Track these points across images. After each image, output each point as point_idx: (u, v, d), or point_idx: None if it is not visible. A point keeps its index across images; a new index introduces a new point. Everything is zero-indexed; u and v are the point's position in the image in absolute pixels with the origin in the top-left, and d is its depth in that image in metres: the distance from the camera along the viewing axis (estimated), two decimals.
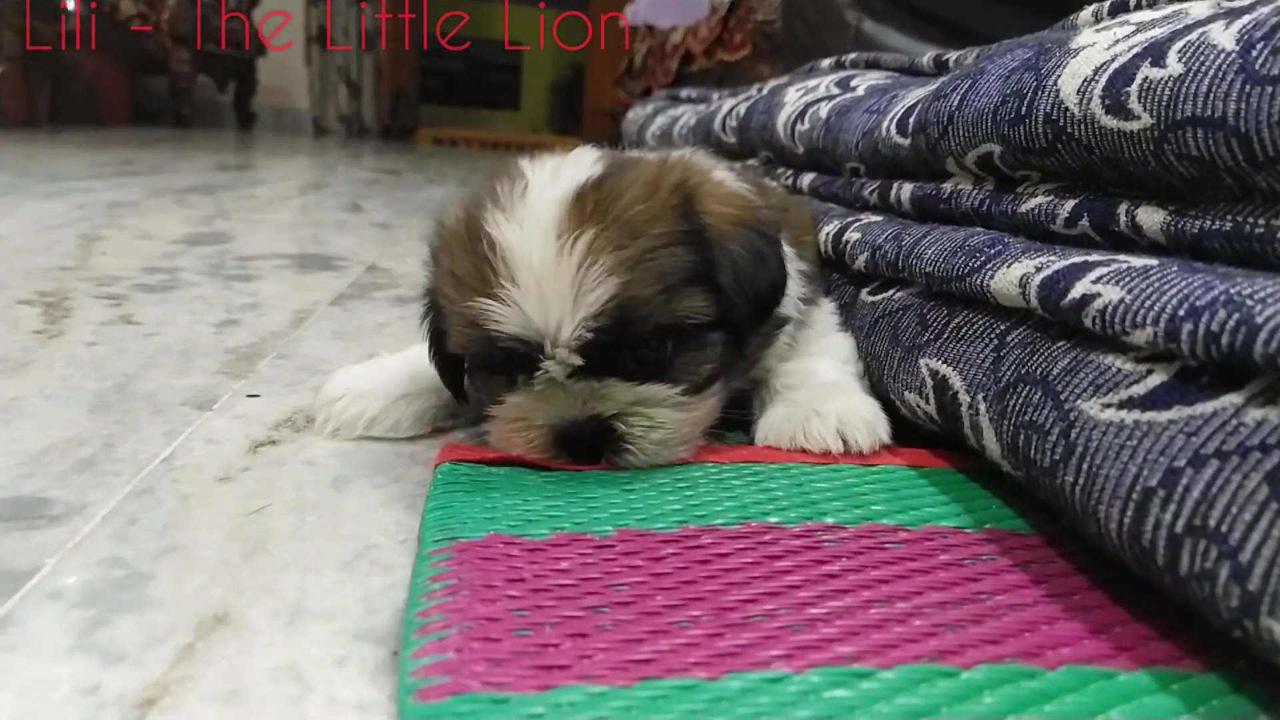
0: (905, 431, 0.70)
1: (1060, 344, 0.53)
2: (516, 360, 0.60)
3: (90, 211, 1.78)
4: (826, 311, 0.81)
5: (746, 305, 0.65)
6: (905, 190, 0.81)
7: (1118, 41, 0.55)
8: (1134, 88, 0.52)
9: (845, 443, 0.67)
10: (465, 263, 0.60)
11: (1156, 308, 0.45)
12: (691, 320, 0.62)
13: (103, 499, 0.58)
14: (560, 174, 0.61)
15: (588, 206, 0.59)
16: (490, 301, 0.58)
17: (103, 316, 1.01)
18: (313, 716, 0.39)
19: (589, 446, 0.61)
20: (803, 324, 0.76)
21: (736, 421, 0.72)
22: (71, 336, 0.93)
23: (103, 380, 0.80)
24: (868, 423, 0.68)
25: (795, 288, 0.73)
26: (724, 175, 0.72)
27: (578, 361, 0.59)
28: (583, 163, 0.63)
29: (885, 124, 0.84)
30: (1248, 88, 0.45)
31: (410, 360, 0.76)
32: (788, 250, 0.72)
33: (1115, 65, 0.54)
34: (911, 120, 0.79)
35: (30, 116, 4.08)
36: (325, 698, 0.40)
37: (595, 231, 0.58)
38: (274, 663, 0.42)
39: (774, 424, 0.69)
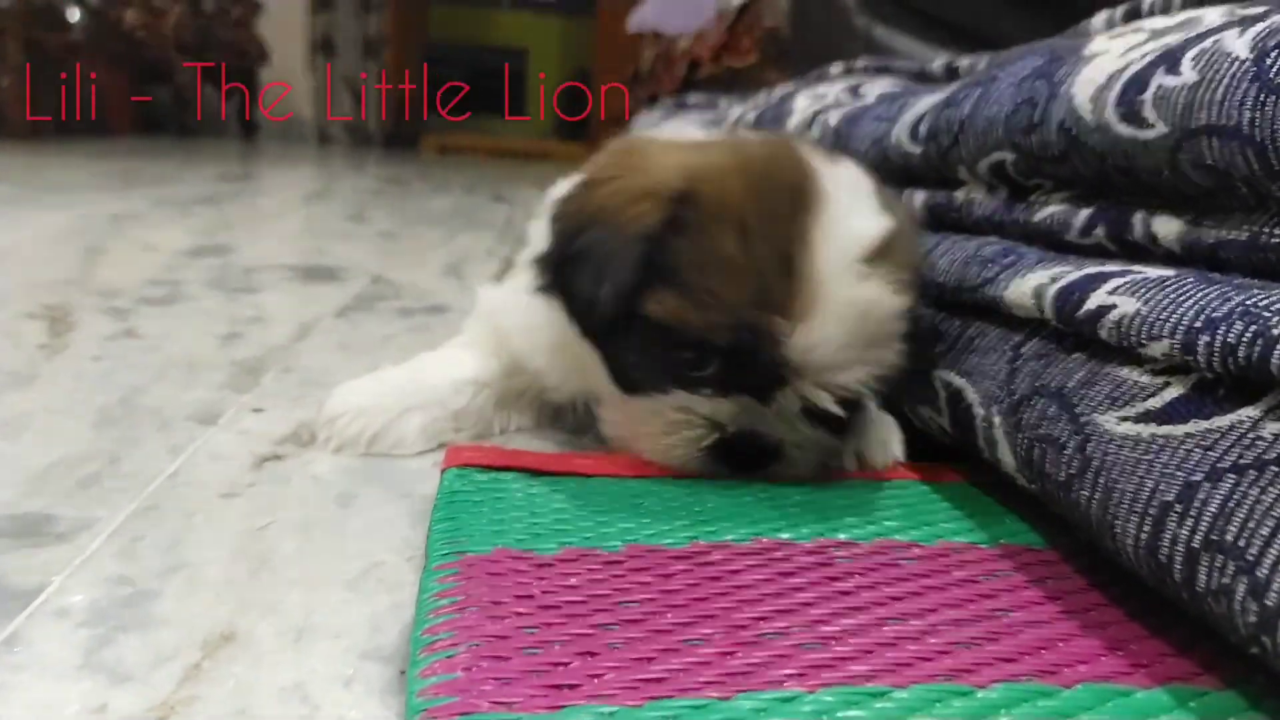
0: (919, 445, 0.70)
1: (1076, 356, 0.52)
2: (752, 372, 0.58)
3: (94, 223, 1.78)
4: None
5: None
6: (917, 198, 0.81)
7: (1131, 49, 0.55)
8: (1148, 96, 0.51)
9: (859, 460, 0.66)
10: (757, 259, 0.56)
11: (1173, 319, 0.44)
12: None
13: (108, 516, 0.57)
14: (858, 199, 0.60)
15: (895, 259, 0.58)
16: (788, 321, 0.55)
17: (107, 330, 1.01)
18: None
19: (754, 459, 0.61)
20: None
21: None
22: (76, 350, 0.93)
23: (107, 395, 0.80)
24: (881, 440, 0.67)
25: None
26: None
27: (835, 410, 0.59)
28: (865, 187, 0.62)
29: (896, 131, 0.84)
30: (1262, 96, 0.45)
31: (413, 372, 0.74)
32: None
33: (1129, 73, 0.53)
34: (922, 128, 0.79)
35: (33, 126, 4.09)
36: (333, 717, 0.40)
37: (903, 295, 0.58)
38: (281, 682, 0.42)
39: None
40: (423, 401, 0.72)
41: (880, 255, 0.57)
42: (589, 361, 0.65)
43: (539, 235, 0.68)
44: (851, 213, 0.58)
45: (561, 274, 0.63)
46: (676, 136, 0.74)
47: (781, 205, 0.57)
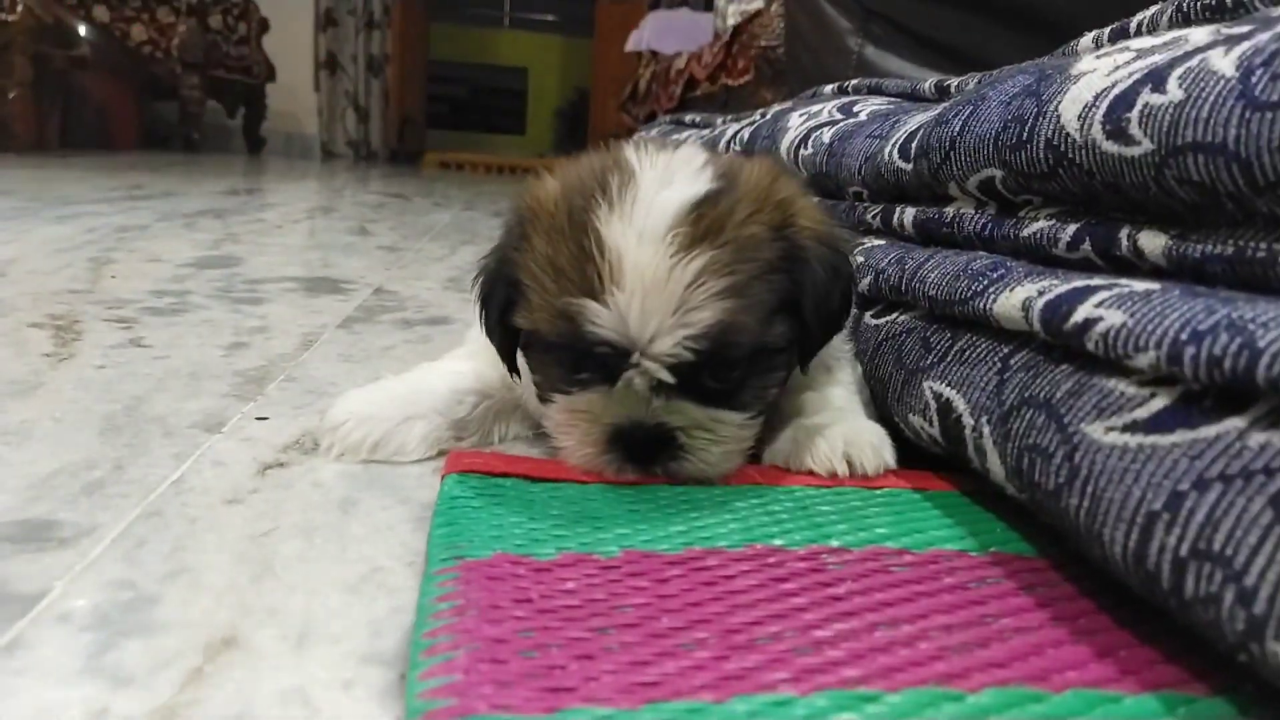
0: (910, 454, 0.70)
1: (1063, 367, 0.53)
2: (598, 360, 0.60)
3: (100, 235, 1.79)
4: (839, 338, 0.81)
5: (819, 328, 0.66)
6: (908, 214, 0.82)
7: (1118, 68, 0.56)
8: (1135, 113, 0.52)
9: (850, 465, 0.67)
10: (566, 253, 0.59)
11: (1159, 332, 0.45)
12: (774, 346, 0.63)
13: (112, 521, 0.58)
14: (672, 176, 0.61)
15: (704, 222, 0.59)
16: (592, 302, 0.57)
17: (112, 339, 1.02)
18: None
19: (647, 451, 0.62)
20: None
21: None
22: (81, 359, 0.93)
23: (112, 403, 0.80)
24: (873, 446, 0.68)
25: None
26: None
27: (666, 378, 0.59)
28: (692, 165, 0.63)
29: (888, 149, 0.85)
30: (1248, 114, 0.45)
31: (415, 382, 0.76)
32: None
33: (1116, 91, 0.54)
34: (914, 145, 0.80)
35: (40, 141, 4.11)
36: None
37: (710, 253, 0.58)
38: (281, 686, 0.42)
39: (781, 446, 0.70)
40: (424, 410, 0.73)
41: (682, 220, 0.58)
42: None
43: None
44: (651, 188, 0.59)
45: (481, 319, 0.70)
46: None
47: (587, 200, 0.60)
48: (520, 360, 0.70)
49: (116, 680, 0.42)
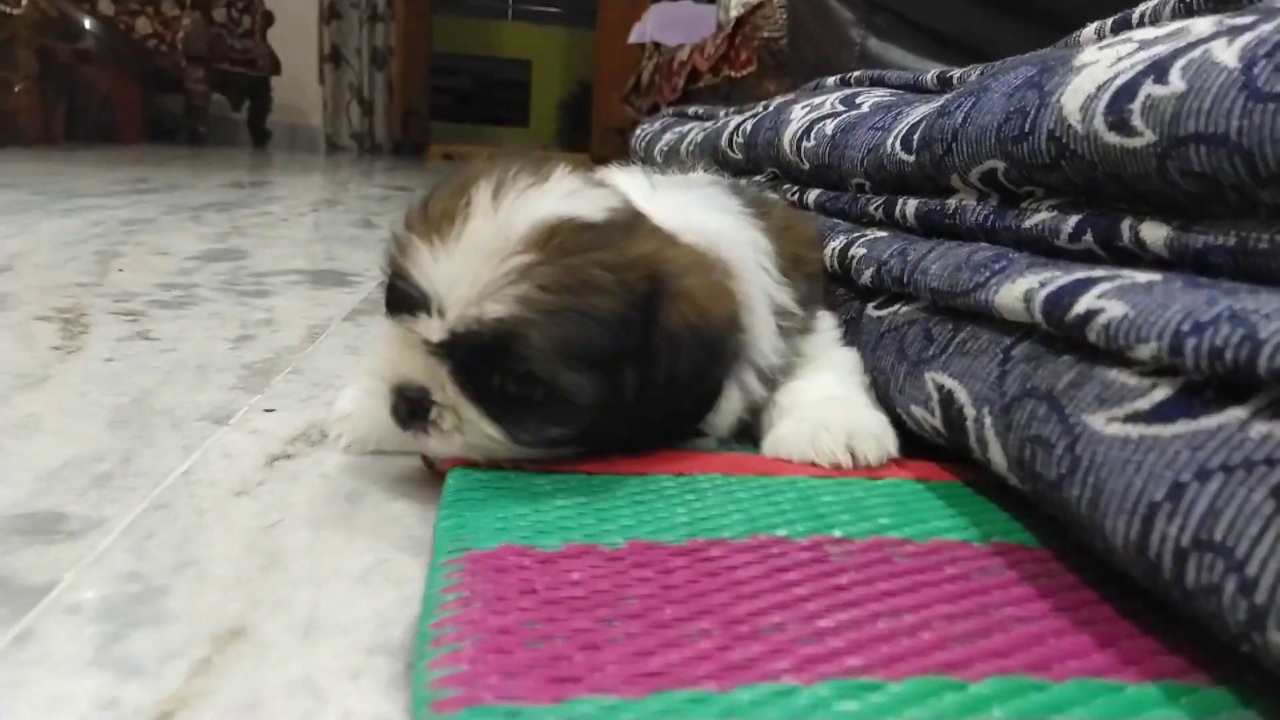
0: (912, 445, 0.70)
1: (1065, 358, 0.53)
2: (407, 301, 0.60)
3: (107, 229, 1.80)
4: (827, 327, 0.81)
5: (662, 413, 0.64)
6: (910, 206, 0.82)
7: (1121, 59, 0.56)
8: (1137, 104, 0.52)
9: (854, 456, 0.67)
10: (439, 206, 0.61)
11: (1160, 323, 0.45)
12: (567, 392, 0.59)
13: (120, 514, 0.59)
14: (569, 192, 0.61)
15: (557, 240, 0.58)
16: (422, 244, 0.59)
17: (120, 332, 1.02)
18: None
19: (408, 408, 0.61)
20: (794, 356, 0.76)
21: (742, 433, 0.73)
22: (89, 352, 0.94)
23: (120, 396, 0.81)
24: (876, 436, 0.68)
25: (770, 340, 0.72)
26: (720, 229, 0.71)
27: (433, 337, 0.59)
28: (598, 198, 0.62)
29: (890, 141, 0.85)
30: (1250, 105, 0.45)
31: None
32: (770, 284, 0.72)
33: (1118, 82, 0.54)
34: (916, 137, 0.80)
35: (46, 134, 4.12)
36: (341, 711, 0.41)
37: (542, 266, 0.57)
38: (289, 676, 0.43)
39: (782, 437, 0.69)
40: None
41: (544, 229, 0.58)
42: None
43: None
44: (542, 193, 0.60)
45: None
46: None
47: (493, 174, 0.61)
48: None
49: (126, 671, 0.43)
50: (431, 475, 0.67)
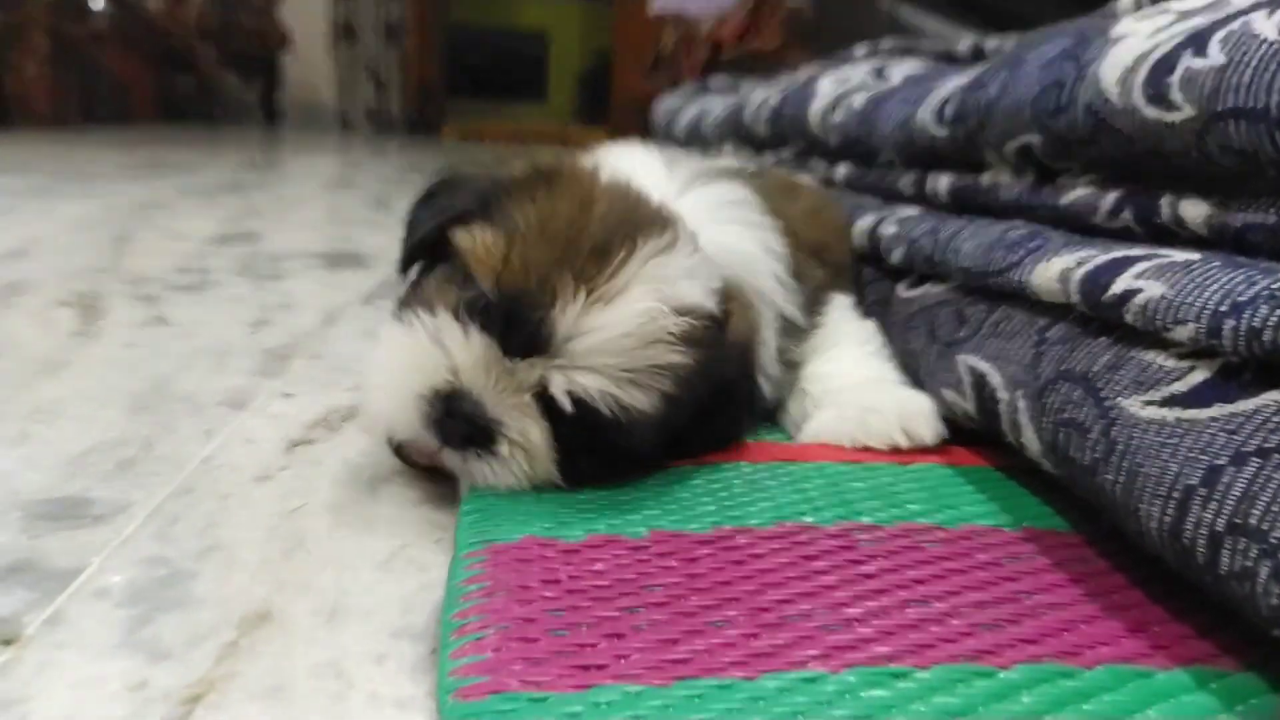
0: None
1: (1101, 340, 0.52)
2: (517, 327, 0.55)
3: (122, 211, 1.80)
4: (840, 306, 0.79)
5: (700, 437, 0.63)
6: (942, 182, 0.81)
7: (1159, 30, 0.54)
8: (1175, 78, 0.51)
9: (909, 437, 0.66)
10: (566, 231, 0.56)
11: (1198, 303, 0.44)
12: (641, 454, 0.59)
13: (145, 499, 0.59)
14: (696, 273, 0.58)
15: (699, 330, 0.56)
16: (562, 281, 0.54)
17: (138, 317, 1.03)
18: (354, 712, 0.40)
19: (465, 434, 0.56)
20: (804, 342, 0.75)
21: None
22: (108, 338, 0.94)
23: (140, 381, 0.81)
24: (926, 416, 0.67)
25: (770, 357, 0.71)
26: (744, 253, 0.69)
27: (564, 402, 0.55)
28: (709, 273, 0.60)
29: (921, 114, 0.83)
30: None
31: None
32: (781, 297, 0.71)
33: (1156, 55, 0.53)
34: (948, 110, 0.78)
35: (60, 115, 4.13)
36: (366, 694, 0.41)
37: (688, 359, 0.55)
38: (315, 659, 0.43)
39: (827, 424, 0.68)
40: None
41: (690, 322, 0.56)
42: None
43: None
44: (682, 272, 0.57)
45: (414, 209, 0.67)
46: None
47: (636, 207, 0.59)
48: None
49: (154, 654, 0.43)
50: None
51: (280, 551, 0.53)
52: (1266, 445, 0.40)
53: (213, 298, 1.15)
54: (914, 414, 0.67)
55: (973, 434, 0.67)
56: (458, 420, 0.55)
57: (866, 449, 0.66)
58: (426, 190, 0.67)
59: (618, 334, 0.54)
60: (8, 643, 0.43)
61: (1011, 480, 0.63)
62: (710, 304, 0.59)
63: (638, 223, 0.58)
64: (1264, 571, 0.38)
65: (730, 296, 0.63)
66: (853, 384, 0.71)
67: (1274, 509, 0.38)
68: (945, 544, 0.52)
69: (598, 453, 0.57)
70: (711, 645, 0.41)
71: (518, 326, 0.55)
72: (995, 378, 0.61)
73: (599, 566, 0.48)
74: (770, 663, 0.40)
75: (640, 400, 0.55)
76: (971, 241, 0.68)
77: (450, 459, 0.57)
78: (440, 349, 0.56)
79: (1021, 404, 0.57)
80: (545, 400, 0.56)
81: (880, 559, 0.50)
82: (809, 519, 0.55)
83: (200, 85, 5.39)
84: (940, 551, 0.51)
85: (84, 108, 4.40)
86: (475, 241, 0.57)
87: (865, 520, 0.55)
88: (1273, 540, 0.38)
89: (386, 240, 1.71)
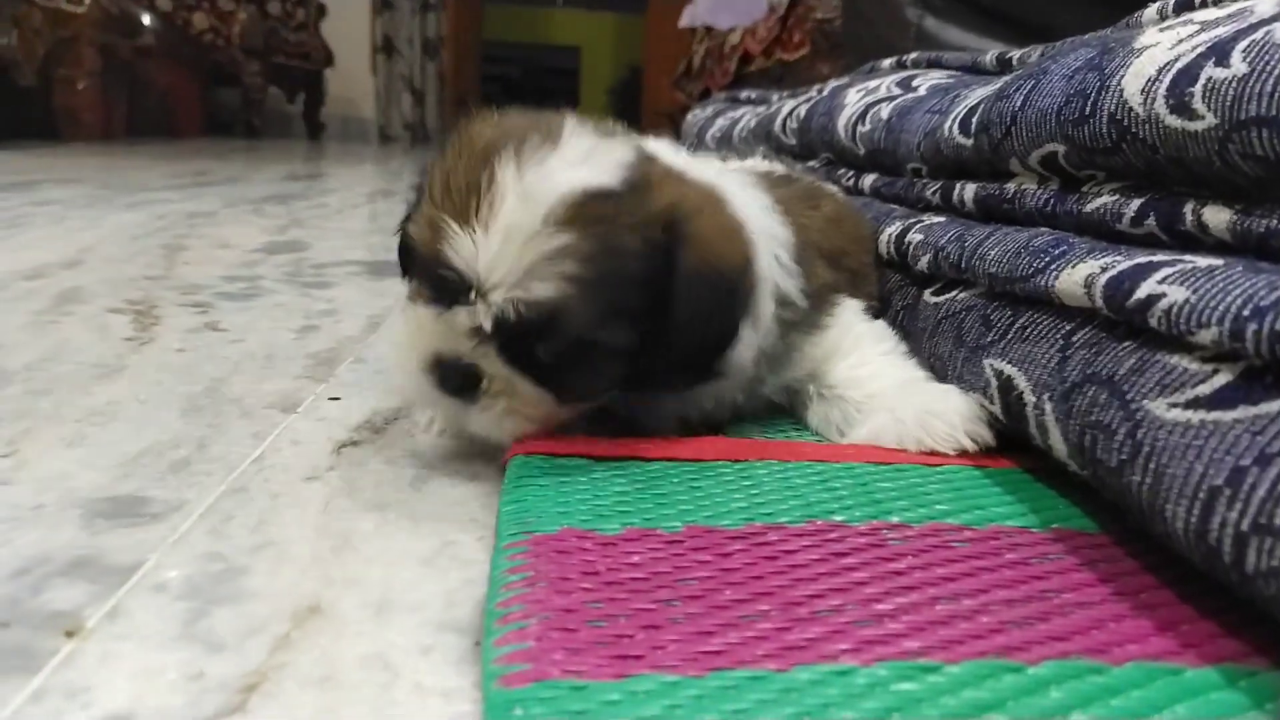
0: None
1: (1126, 344, 0.53)
2: (443, 284, 0.62)
3: (171, 222, 1.85)
4: (849, 310, 0.80)
5: (683, 350, 0.65)
6: (968, 190, 0.81)
7: (1181, 41, 0.55)
8: (1198, 87, 0.52)
9: (974, 440, 0.67)
10: (462, 179, 0.61)
11: (1221, 308, 0.45)
12: (608, 346, 0.63)
13: (198, 497, 0.61)
14: (586, 159, 0.62)
15: (587, 211, 0.60)
16: (459, 229, 0.60)
17: (190, 324, 1.06)
18: (401, 702, 0.41)
19: (454, 385, 0.63)
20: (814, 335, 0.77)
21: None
22: (161, 343, 0.97)
23: (193, 385, 0.84)
24: (980, 418, 0.68)
25: (784, 282, 0.72)
26: (743, 198, 0.72)
27: (485, 325, 0.61)
28: (612, 158, 0.63)
29: (948, 124, 0.84)
30: None
31: None
32: (778, 234, 0.73)
33: (1179, 65, 0.54)
34: (974, 120, 0.79)
35: (108, 129, 4.23)
36: (412, 684, 0.42)
37: (577, 240, 0.59)
38: (364, 651, 0.45)
39: (885, 428, 0.69)
40: None
41: (572, 201, 0.59)
42: None
43: None
44: (561, 162, 0.61)
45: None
46: None
47: (506, 143, 0.61)
48: None
49: (210, 645, 0.45)
50: (491, 461, 0.69)
51: (329, 548, 0.55)
52: None
53: (261, 305, 1.18)
54: (972, 417, 0.68)
55: (1000, 436, 0.68)
56: (450, 377, 0.63)
57: (903, 451, 0.67)
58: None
59: (500, 247, 0.59)
60: (70, 634, 0.45)
61: (1039, 482, 0.63)
62: (609, 180, 0.62)
63: (508, 140, 0.61)
64: None
65: (654, 172, 0.66)
66: (893, 387, 0.72)
67: None
68: (974, 543, 0.53)
69: (565, 363, 0.63)
70: (745, 638, 0.42)
71: (448, 287, 0.61)
72: (1021, 381, 0.62)
73: (635, 559, 0.50)
74: (802, 655, 0.41)
75: (546, 289, 0.59)
76: (997, 248, 0.69)
77: (466, 418, 0.65)
78: (420, 329, 0.64)
79: (1048, 406, 0.58)
80: (500, 338, 0.62)
81: (910, 557, 0.51)
82: (839, 517, 0.56)
83: (245, 100, 5.48)
84: (969, 550, 0.52)
85: (132, 121, 4.50)
86: (410, 232, 0.66)
87: (895, 519, 0.56)
88: None
89: None
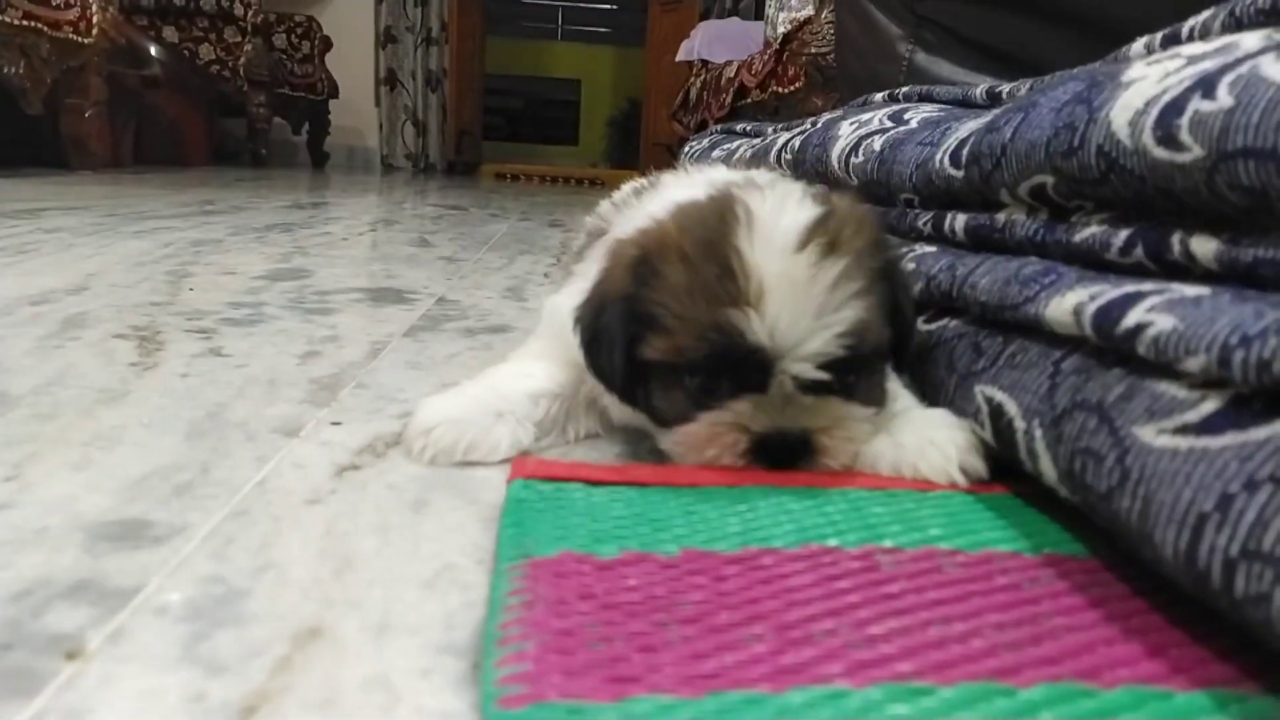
0: None
1: (1115, 371, 0.54)
2: (746, 371, 0.65)
3: (176, 249, 1.86)
4: None
5: (910, 333, 0.73)
6: (959, 221, 0.82)
7: (1169, 75, 0.56)
8: (1185, 120, 0.53)
9: (966, 472, 0.68)
10: (707, 276, 0.64)
11: (1209, 336, 0.46)
12: (886, 348, 0.69)
13: (201, 520, 0.61)
14: (784, 203, 0.67)
15: (826, 237, 0.65)
16: (739, 311, 0.63)
17: (194, 349, 1.07)
18: None
19: (790, 455, 0.67)
20: None
21: None
22: (165, 368, 0.98)
23: (196, 409, 0.85)
24: (974, 448, 0.69)
25: None
26: None
27: (819, 376, 0.64)
28: (794, 194, 0.69)
29: (939, 156, 0.86)
30: None
31: (494, 386, 0.78)
32: None
33: (1166, 98, 0.55)
34: (965, 152, 0.80)
35: (115, 158, 4.26)
36: (413, 706, 0.43)
37: (840, 261, 0.64)
38: (365, 673, 0.45)
39: (884, 454, 0.70)
40: (508, 412, 0.75)
41: (809, 235, 0.64)
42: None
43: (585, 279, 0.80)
44: (775, 213, 0.66)
45: (589, 362, 0.74)
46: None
47: (717, 229, 0.66)
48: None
49: (212, 668, 0.45)
50: (490, 486, 0.69)
51: (330, 571, 0.55)
52: (1278, 473, 0.41)
53: (264, 331, 1.19)
54: (967, 447, 0.69)
55: (992, 461, 0.68)
56: (779, 452, 0.67)
57: (900, 478, 0.68)
58: (589, 340, 0.73)
59: (787, 299, 0.63)
60: (72, 657, 0.45)
61: (1030, 507, 0.64)
62: (819, 209, 0.68)
63: (724, 230, 0.66)
64: (1278, 596, 0.39)
65: (817, 193, 0.72)
66: (894, 413, 0.73)
67: None
68: (966, 567, 0.54)
69: (868, 381, 0.70)
70: (740, 660, 0.43)
71: (744, 370, 0.65)
72: (1012, 407, 0.63)
73: (632, 582, 0.50)
74: (797, 677, 0.42)
75: (844, 320, 0.64)
76: (988, 277, 0.70)
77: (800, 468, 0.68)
78: (713, 433, 0.67)
79: (1038, 433, 0.59)
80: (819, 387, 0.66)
81: (902, 580, 0.51)
82: (833, 541, 0.56)
83: (250, 130, 5.53)
84: (961, 574, 0.53)
85: (139, 151, 4.54)
86: (657, 350, 0.67)
87: (887, 543, 0.56)
88: None
89: (427, 276, 1.75)
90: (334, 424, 0.83)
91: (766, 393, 0.65)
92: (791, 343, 0.63)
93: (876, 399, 0.71)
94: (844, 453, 0.67)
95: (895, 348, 0.72)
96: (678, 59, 5.21)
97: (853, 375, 0.67)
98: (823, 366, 0.64)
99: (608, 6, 7.95)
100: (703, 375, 0.67)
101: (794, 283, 0.63)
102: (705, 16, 6.02)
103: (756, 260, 0.63)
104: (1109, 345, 0.54)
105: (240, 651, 0.46)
